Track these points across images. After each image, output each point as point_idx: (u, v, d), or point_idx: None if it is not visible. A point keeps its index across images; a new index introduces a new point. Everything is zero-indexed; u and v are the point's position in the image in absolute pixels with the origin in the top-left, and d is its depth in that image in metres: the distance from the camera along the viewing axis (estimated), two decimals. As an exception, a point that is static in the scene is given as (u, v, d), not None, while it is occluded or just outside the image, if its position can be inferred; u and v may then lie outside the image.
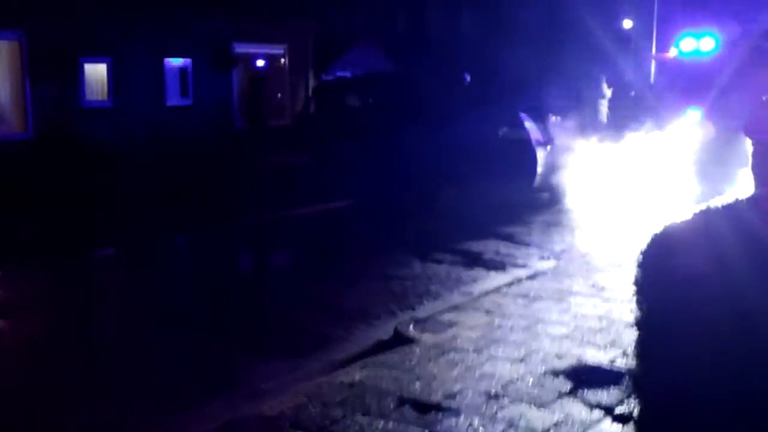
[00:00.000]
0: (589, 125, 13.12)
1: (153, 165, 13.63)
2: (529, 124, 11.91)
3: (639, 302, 4.86)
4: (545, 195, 12.26)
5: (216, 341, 5.98)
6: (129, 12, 16.40)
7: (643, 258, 4.85)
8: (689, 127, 15.94)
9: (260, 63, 20.89)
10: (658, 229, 5.00)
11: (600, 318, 6.12)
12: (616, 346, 5.44)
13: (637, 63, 21.94)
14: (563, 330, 5.80)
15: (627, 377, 4.85)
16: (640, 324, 4.87)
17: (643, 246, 4.85)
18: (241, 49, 20.10)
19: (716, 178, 14.03)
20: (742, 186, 12.03)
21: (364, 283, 7.65)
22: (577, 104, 13.28)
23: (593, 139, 12.61)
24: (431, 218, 10.74)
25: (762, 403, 4.15)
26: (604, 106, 15.91)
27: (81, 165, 12.68)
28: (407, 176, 11.76)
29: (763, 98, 10.07)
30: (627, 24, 29.54)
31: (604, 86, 16.48)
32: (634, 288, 4.89)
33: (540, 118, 12.41)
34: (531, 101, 12.66)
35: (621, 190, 12.74)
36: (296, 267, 9.11)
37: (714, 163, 14.17)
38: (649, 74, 24.07)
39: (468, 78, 12.09)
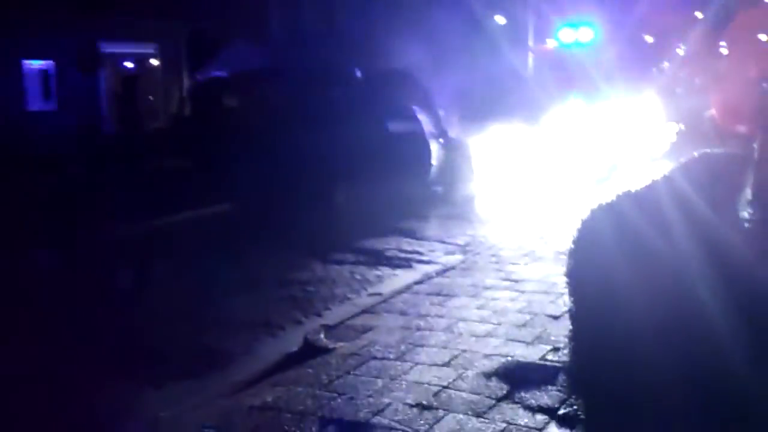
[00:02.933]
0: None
1: (15, 173, 12.39)
2: (422, 117, 11.52)
3: (572, 293, 4.54)
4: (441, 188, 11.96)
5: (99, 370, 5.06)
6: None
7: (575, 248, 4.53)
8: (571, 114, 16.16)
9: (130, 64, 19.68)
10: (585, 217, 4.70)
11: (520, 312, 5.79)
12: (543, 341, 5.09)
13: (514, 55, 22.13)
14: (486, 327, 5.41)
15: (562, 374, 4.50)
16: (573, 316, 4.55)
17: (574, 236, 4.53)
18: (109, 48, 18.83)
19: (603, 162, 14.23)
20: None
21: (262, 291, 6.94)
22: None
23: (486, 131, 12.44)
24: (325, 218, 10.12)
25: (701, 388, 3.90)
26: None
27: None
28: (295, 176, 11.07)
29: None
30: (500, 19, 29.90)
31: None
32: (566, 279, 4.56)
33: (432, 111, 12.06)
34: (420, 94, 12.26)
35: (515, 179, 12.64)
36: (183, 278, 8.07)
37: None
38: (526, 67, 24.47)
39: (358, 73, 11.46)
